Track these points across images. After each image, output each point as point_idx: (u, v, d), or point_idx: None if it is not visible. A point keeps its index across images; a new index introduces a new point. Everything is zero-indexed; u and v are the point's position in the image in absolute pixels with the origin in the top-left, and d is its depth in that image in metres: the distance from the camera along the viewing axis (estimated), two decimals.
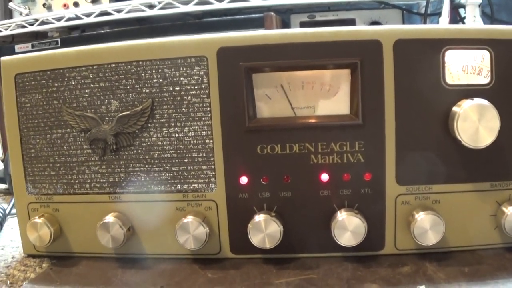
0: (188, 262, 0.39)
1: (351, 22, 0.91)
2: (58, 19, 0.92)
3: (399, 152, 0.36)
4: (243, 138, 0.37)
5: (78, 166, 0.40)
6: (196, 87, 0.37)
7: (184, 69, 0.37)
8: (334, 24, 0.91)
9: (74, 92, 0.39)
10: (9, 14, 1.02)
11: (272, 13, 0.83)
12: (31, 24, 0.95)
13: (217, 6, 0.81)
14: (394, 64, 0.36)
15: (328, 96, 0.37)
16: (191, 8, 0.82)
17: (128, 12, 0.86)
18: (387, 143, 0.36)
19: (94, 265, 0.40)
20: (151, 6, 0.85)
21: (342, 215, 0.36)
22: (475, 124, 0.35)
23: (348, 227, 0.36)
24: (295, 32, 0.36)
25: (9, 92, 0.41)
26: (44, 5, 0.95)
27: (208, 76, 0.37)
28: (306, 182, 0.37)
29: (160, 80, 0.37)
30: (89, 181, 0.40)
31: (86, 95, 0.39)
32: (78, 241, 0.41)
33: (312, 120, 0.37)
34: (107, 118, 0.39)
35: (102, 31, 0.97)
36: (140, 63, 0.37)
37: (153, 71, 0.37)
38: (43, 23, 0.94)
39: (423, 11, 0.95)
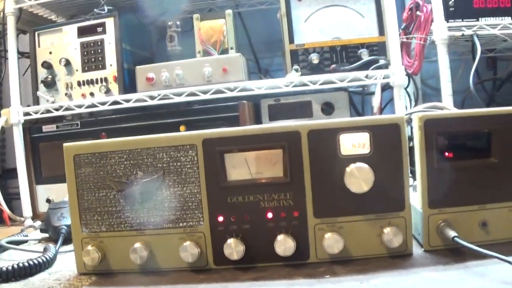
0: (187, 271, 0.61)
1: (308, 103, 1.17)
2: (79, 106, 1.17)
3: (314, 198, 0.60)
4: (219, 193, 0.60)
5: (116, 213, 0.62)
6: (190, 163, 0.60)
7: (183, 152, 0.61)
8: (294, 105, 1.18)
9: (113, 167, 0.62)
10: (36, 100, 1.24)
11: (245, 101, 1.09)
12: (56, 109, 1.18)
13: (202, 97, 1.07)
14: (308, 145, 0.59)
15: (270, 165, 0.60)
16: (182, 99, 1.09)
17: (135, 101, 1.12)
18: (306, 192, 0.59)
19: (126, 277, 0.62)
20: (152, 97, 1.11)
21: (280, 237, 0.59)
22: (358, 179, 0.58)
23: (285, 246, 0.58)
24: (249, 128, 0.60)
25: (69, 166, 0.64)
26: (66, 94, 1.21)
27: (197, 156, 0.60)
28: (258, 219, 0.60)
29: (168, 159, 0.61)
30: (123, 222, 0.62)
31: (122, 168, 0.62)
32: (116, 262, 0.63)
33: (262, 180, 0.60)
34: (135, 183, 0.62)
35: (111, 116, 1.20)
36: (156, 148, 0.61)
37: (164, 153, 0.61)
38: (66, 109, 1.18)
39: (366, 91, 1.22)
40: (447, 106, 0.83)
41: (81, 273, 0.65)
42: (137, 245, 0.61)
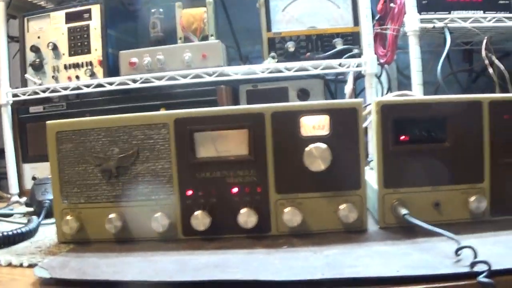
0: (158, 241, 0.66)
1: (284, 90, 1.22)
2: (65, 88, 1.22)
3: (276, 175, 0.64)
4: (188, 168, 0.65)
5: (94, 186, 0.67)
6: (162, 140, 0.65)
7: (156, 130, 0.65)
8: (271, 91, 1.23)
9: (92, 143, 0.67)
10: (24, 83, 1.30)
11: (223, 86, 1.14)
12: (43, 91, 1.24)
13: (182, 81, 1.12)
14: (272, 126, 0.64)
15: (236, 144, 0.65)
16: (163, 82, 1.14)
17: (118, 84, 1.17)
18: (269, 170, 0.64)
19: (102, 245, 0.67)
20: (134, 81, 1.16)
21: (243, 211, 0.63)
22: (316, 158, 0.63)
23: (247, 218, 0.63)
24: (217, 109, 0.65)
25: (51, 143, 0.68)
26: (53, 77, 1.26)
27: (169, 134, 0.65)
28: (224, 193, 0.65)
29: (142, 136, 0.65)
30: (100, 195, 0.67)
31: (100, 145, 0.66)
32: (92, 231, 0.67)
33: (228, 158, 0.65)
34: (112, 158, 0.66)
35: (97, 98, 1.27)
36: (131, 127, 0.65)
37: (138, 131, 0.65)
38: (53, 91, 1.23)
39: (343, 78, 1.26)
40: (416, 95, 0.87)
41: (61, 241, 0.69)
42: (112, 215, 0.65)
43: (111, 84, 1.19)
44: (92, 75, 1.23)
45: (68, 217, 0.67)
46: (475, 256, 0.50)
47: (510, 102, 0.67)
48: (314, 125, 0.64)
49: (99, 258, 0.61)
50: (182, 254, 0.61)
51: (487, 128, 0.66)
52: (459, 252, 0.53)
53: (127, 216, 0.66)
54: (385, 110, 0.65)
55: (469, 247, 0.52)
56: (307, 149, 0.63)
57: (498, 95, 0.67)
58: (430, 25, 1.08)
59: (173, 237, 0.66)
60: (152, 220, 0.64)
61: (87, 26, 1.24)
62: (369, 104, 0.78)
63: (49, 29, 1.27)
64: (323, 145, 0.63)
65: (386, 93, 1.25)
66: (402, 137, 0.66)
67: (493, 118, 0.66)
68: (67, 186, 0.68)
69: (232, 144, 0.65)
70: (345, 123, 0.64)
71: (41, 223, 0.79)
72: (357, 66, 1.13)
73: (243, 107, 0.65)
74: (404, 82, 1.41)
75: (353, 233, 0.65)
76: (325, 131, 0.64)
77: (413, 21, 1.09)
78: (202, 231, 0.64)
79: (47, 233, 0.75)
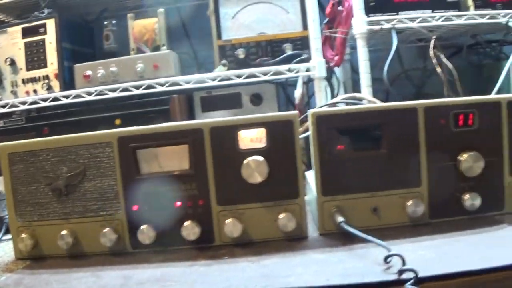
0: (108, 255, 0.68)
1: (238, 95, 1.25)
2: (23, 103, 1.26)
3: (217, 188, 0.67)
4: (133, 185, 0.68)
5: (45, 204, 0.69)
6: (107, 159, 0.68)
7: (101, 149, 0.68)
8: (225, 97, 1.25)
9: (42, 163, 0.69)
10: None
11: (175, 95, 1.18)
12: (3, 107, 1.28)
13: (135, 92, 1.15)
14: (211, 141, 0.66)
15: (178, 159, 0.67)
16: (117, 94, 1.18)
17: (74, 97, 1.21)
18: (210, 183, 0.67)
19: (56, 261, 0.69)
20: (89, 93, 1.20)
21: (187, 223, 0.66)
22: (253, 170, 0.65)
23: (191, 231, 0.66)
24: (158, 127, 0.67)
25: (4, 164, 0.71)
26: (11, 92, 1.30)
27: (113, 152, 0.68)
28: (168, 207, 0.67)
29: (88, 155, 0.68)
30: (52, 212, 0.70)
31: (49, 164, 0.69)
32: (46, 248, 0.70)
33: (170, 173, 0.67)
34: (61, 177, 0.69)
35: (54, 112, 1.31)
36: (78, 146, 0.68)
37: (84, 150, 0.68)
38: (11, 106, 1.27)
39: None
40: (365, 97, 0.89)
41: (18, 258, 0.72)
42: (64, 232, 0.68)
43: (67, 97, 1.23)
44: (49, 88, 1.27)
45: (23, 235, 0.69)
46: (403, 264, 0.53)
47: (445, 107, 0.69)
48: (252, 138, 0.66)
49: (51, 274, 0.64)
50: (128, 268, 0.63)
51: (423, 133, 0.68)
52: (388, 260, 0.55)
53: (78, 232, 0.69)
54: (320, 120, 0.67)
55: (397, 255, 0.54)
56: (245, 162, 0.65)
57: (433, 101, 0.68)
58: (377, 27, 1.09)
59: (122, 251, 0.69)
60: (100, 236, 0.67)
61: (43, 41, 1.28)
62: None
63: (7, 45, 1.32)
64: (260, 158, 0.65)
65: (336, 96, 1.27)
66: (338, 146, 0.68)
67: (428, 123, 0.68)
68: (21, 205, 0.71)
69: (174, 160, 0.67)
70: (282, 135, 0.66)
71: (1, 239, 0.82)
72: (306, 71, 1.15)
73: (183, 123, 0.67)
74: (359, 82, 1.43)
75: (293, 241, 0.67)
76: (262, 143, 0.66)
77: (360, 24, 1.10)
78: (148, 244, 0.67)
79: (7, 249, 0.78)
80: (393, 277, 0.52)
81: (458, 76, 1.00)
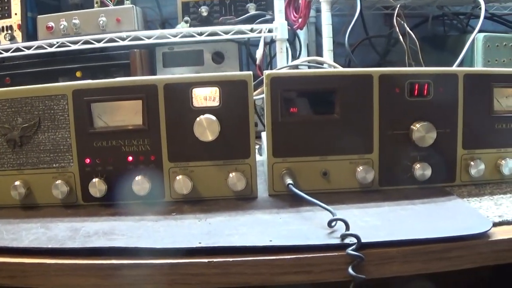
0: (60, 207, 0.69)
1: (200, 52, 1.26)
2: None
3: (169, 144, 0.67)
4: (86, 138, 0.68)
5: (0, 155, 0.71)
6: (62, 111, 0.68)
7: (56, 101, 0.68)
8: (187, 54, 1.27)
9: None
10: None
11: (136, 49, 1.19)
12: None
13: (97, 45, 1.16)
14: (164, 97, 0.67)
15: (131, 114, 0.68)
16: (78, 46, 1.18)
17: (36, 48, 1.22)
18: (162, 139, 0.67)
19: (8, 211, 0.69)
20: (51, 45, 1.20)
21: (138, 178, 0.67)
22: (205, 129, 0.66)
23: (141, 186, 0.67)
24: (113, 81, 0.68)
25: None
26: None
27: (68, 105, 0.68)
28: (120, 162, 0.68)
29: (43, 107, 0.68)
30: (6, 163, 0.70)
31: (5, 115, 0.69)
32: (0, 198, 0.71)
33: (123, 128, 0.68)
34: (16, 128, 0.69)
35: (17, 62, 1.32)
36: (33, 98, 0.68)
37: (40, 102, 0.68)
38: None
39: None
40: (326, 61, 0.89)
41: None
42: (17, 182, 0.69)
43: (29, 48, 1.23)
44: (12, 39, 1.27)
45: None
46: (347, 229, 0.53)
47: (401, 76, 0.69)
48: (206, 96, 0.67)
49: (2, 224, 0.64)
50: (78, 221, 0.64)
51: (376, 101, 0.69)
52: (333, 224, 0.56)
53: (31, 183, 0.70)
54: (274, 82, 0.68)
55: (341, 219, 0.55)
56: (197, 119, 0.66)
57: (388, 69, 0.69)
58: None
59: (74, 203, 0.69)
60: (52, 188, 0.68)
61: None
62: None
63: None
64: (213, 117, 0.66)
65: (298, 58, 1.27)
66: (292, 109, 0.68)
67: (383, 91, 0.69)
68: None
69: (128, 115, 0.68)
70: (236, 95, 0.67)
71: None
72: (268, 32, 1.16)
73: (137, 78, 0.68)
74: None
75: (242, 200, 0.68)
76: (216, 102, 0.67)
77: None
78: (99, 198, 0.67)
79: None
80: (335, 241, 0.53)
81: (421, 46, 1.00)
